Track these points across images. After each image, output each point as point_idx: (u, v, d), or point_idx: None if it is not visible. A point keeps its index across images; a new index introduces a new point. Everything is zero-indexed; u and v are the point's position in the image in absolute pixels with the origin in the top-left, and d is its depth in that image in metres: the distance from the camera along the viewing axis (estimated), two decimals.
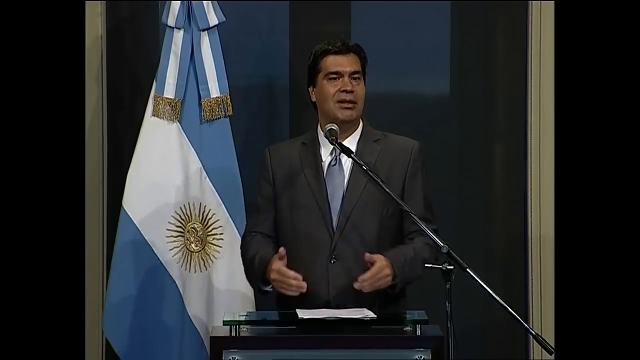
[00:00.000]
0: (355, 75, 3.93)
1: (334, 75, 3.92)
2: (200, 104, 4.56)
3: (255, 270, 3.88)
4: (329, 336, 3.48)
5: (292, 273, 3.76)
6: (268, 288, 3.87)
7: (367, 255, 3.74)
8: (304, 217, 3.89)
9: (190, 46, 4.53)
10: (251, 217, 4.06)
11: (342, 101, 3.89)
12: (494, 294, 3.44)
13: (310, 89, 3.98)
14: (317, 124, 3.99)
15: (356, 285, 3.73)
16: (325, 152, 3.94)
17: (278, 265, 3.78)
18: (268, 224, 3.96)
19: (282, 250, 3.79)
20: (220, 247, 4.56)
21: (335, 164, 3.92)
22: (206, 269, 4.56)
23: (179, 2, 4.51)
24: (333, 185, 3.90)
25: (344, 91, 3.89)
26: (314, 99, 3.98)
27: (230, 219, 4.54)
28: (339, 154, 3.91)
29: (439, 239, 3.54)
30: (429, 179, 3.97)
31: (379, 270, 3.74)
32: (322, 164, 3.93)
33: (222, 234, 4.56)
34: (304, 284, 3.76)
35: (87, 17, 4.62)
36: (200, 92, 4.55)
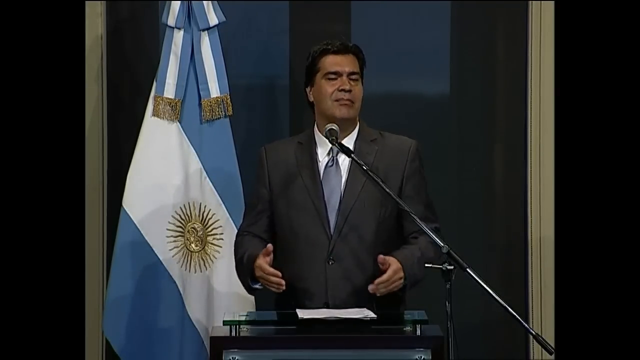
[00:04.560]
0: (354, 76, 3.92)
1: (333, 75, 3.91)
2: (200, 104, 4.56)
3: (244, 268, 3.87)
4: (329, 336, 3.48)
5: (271, 270, 3.74)
6: (257, 286, 3.86)
7: (381, 257, 3.71)
8: (302, 218, 3.88)
9: (190, 46, 4.53)
10: (245, 218, 4.05)
11: (339, 99, 3.89)
12: (494, 294, 3.44)
13: (307, 89, 3.98)
14: (314, 124, 3.98)
15: (370, 288, 3.70)
16: (322, 152, 3.93)
17: (260, 261, 3.77)
18: (260, 224, 3.95)
19: (269, 246, 3.77)
20: (220, 247, 4.56)
21: (332, 164, 3.91)
22: (206, 269, 4.56)
23: (179, 2, 4.51)
24: (330, 187, 3.89)
25: (342, 90, 3.89)
26: (311, 99, 3.97)
27: (230, 219, 4.54)
28: (336, 155, 3.90)
29: (439, 239, 3.54)
30: (426, 177, 3.97)
31: (394, 273, 3.71)
32: (319, 164, 3.92)
33: (222, 234, 4.56)
34: (282, 282, 3.73)
35: (87, 17, 4.62)
36: (200, 92, 4.55)
